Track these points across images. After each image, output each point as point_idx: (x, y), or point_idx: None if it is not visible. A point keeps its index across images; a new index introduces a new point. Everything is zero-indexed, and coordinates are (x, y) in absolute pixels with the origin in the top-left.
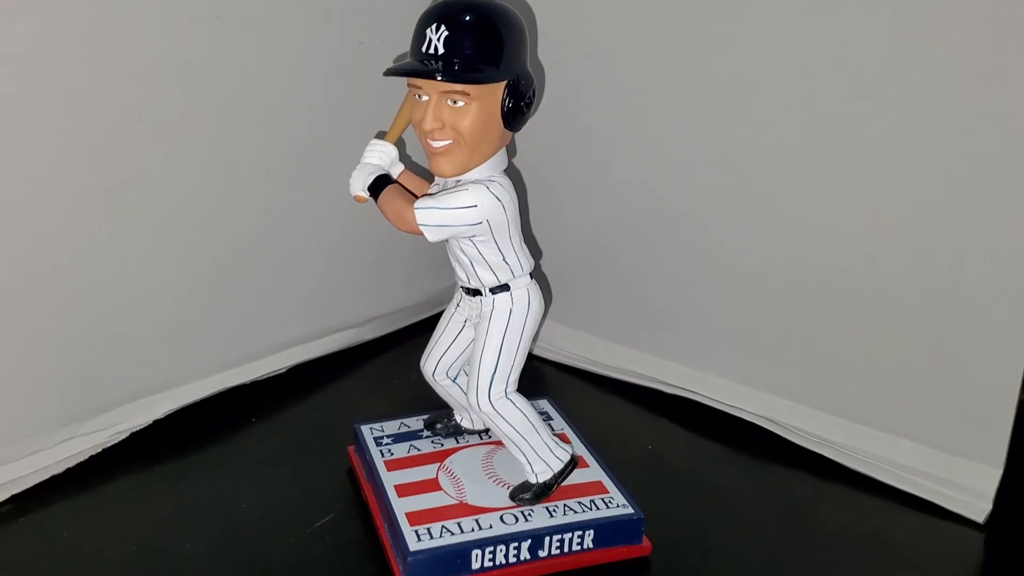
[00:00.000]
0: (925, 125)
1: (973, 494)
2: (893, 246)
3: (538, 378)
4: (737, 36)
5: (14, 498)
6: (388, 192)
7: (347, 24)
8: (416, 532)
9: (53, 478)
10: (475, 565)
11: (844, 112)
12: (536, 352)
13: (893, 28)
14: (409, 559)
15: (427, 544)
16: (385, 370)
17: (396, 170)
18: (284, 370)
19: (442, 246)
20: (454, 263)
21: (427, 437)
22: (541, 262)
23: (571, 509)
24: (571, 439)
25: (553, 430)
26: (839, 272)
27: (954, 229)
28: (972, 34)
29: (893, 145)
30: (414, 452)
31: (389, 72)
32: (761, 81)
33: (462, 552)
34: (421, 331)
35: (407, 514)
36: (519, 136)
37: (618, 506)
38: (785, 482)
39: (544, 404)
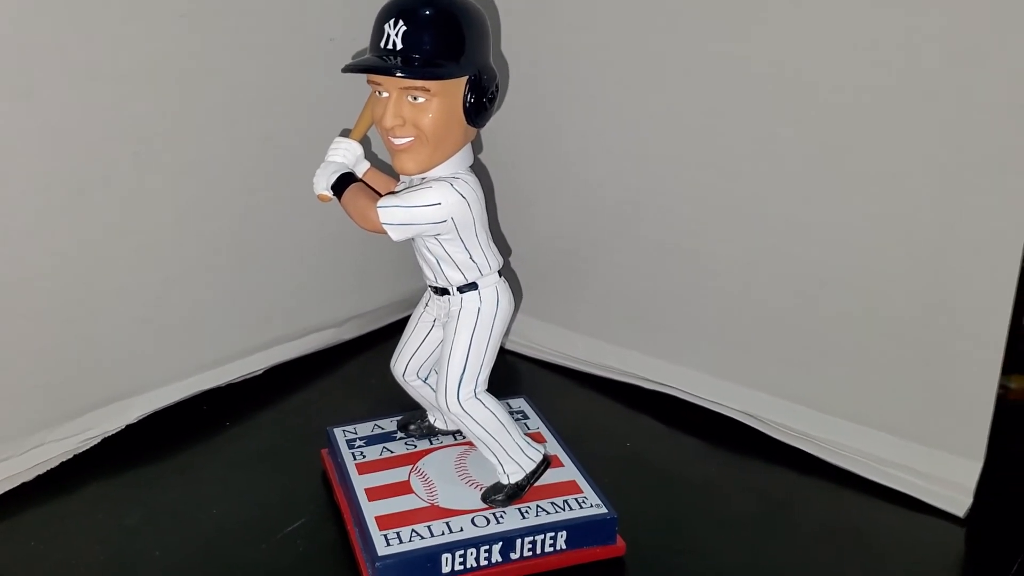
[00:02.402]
0: (905, 114)
1: (953, 488)
2: (873, 238)
3: (514, 374)
4: (713, 28)
5: None
6: (351, 191)
7: (318, 21)
8: (385, 536)
9: (23, 485)
10: (445, 569)
11: (823, 103)
12: (511, 347)
13: (871, 16)
14: (378, 564)
15: (396, 548)
16: (364, 370)
17: (361, 168)
18: (260, 372)
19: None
20: (421, 262)
21: (400, 439)
22: (511, 258)
23: (543, 510)
24: (546, 438)
25: (528, 429)
26: (818, 265)
27: (934, 220)
28: (951, 19)
29: (872, 135)
30: (387, 454)
31: (347, 68)
32: (738, 73)
33: (432, 556)
34: (401, 330)
35: (377, 518)
36: (489, 130)
37: (592, 506)
38: (765, 477)
39: (521, 403)
